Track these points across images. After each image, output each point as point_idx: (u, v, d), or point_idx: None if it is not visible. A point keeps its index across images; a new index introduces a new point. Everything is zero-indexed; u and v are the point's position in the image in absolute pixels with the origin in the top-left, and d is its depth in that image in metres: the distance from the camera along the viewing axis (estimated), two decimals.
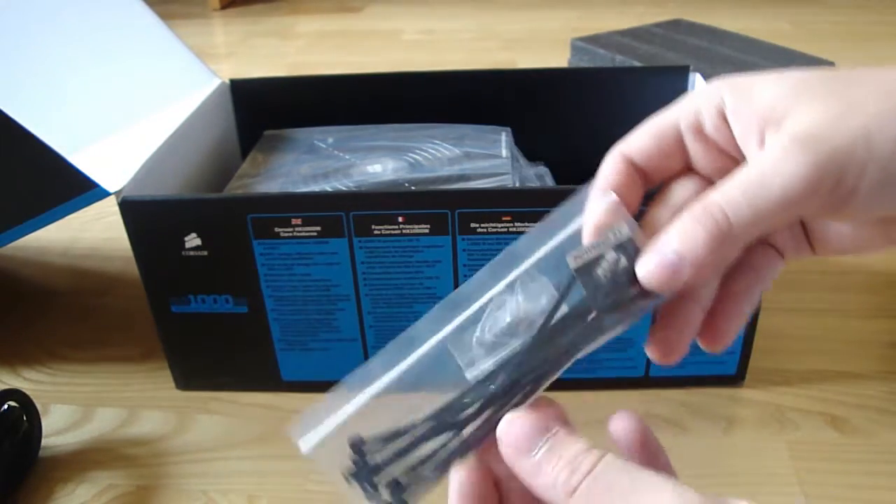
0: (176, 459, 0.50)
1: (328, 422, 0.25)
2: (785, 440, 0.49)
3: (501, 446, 0.24)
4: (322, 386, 0.26)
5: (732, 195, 0.23)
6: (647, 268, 0.24)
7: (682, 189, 0.27)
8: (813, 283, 0.65)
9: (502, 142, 0.61)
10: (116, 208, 0.47)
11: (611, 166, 0.27)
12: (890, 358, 0.56)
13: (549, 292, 0.26)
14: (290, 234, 0.48)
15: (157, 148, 0.52)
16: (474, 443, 0.25)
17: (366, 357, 0.50)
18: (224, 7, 1.75)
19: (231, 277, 0.50)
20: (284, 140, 0.64)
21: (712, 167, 0.26)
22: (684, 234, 0.23)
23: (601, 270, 0.25)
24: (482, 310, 0.26)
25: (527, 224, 0.47)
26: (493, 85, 0.67)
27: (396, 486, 0.25)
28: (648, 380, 0.53)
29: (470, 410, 0.25)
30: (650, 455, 0.28)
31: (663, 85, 0.63)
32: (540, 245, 0.26)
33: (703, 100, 0.26)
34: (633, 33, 1.09)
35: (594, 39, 1.07)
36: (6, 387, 0.50)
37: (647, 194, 0.28)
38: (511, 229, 0.47)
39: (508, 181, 0.55)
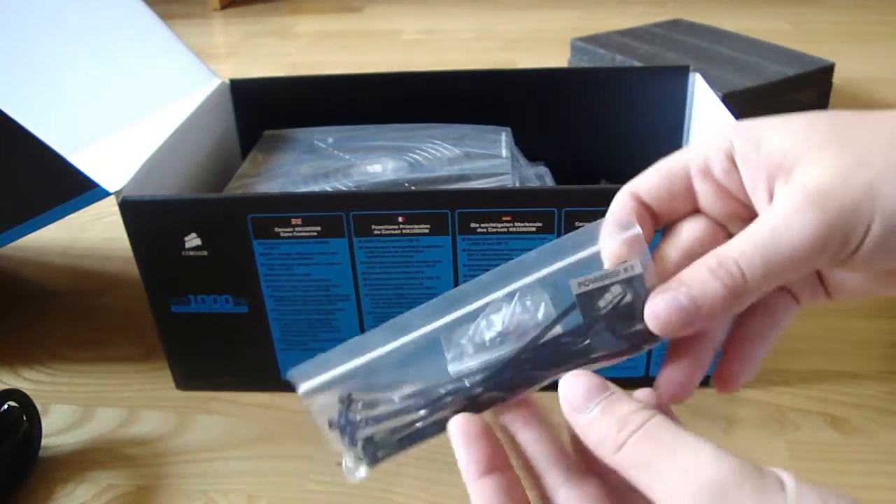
0: (176, 459, 0.50)
1: (325, 375, 0.27)
2: (785, 440, 0.49)
3: (561, 401, 0.24)
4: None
5: (746, 249, 0.23)
6: (656, 309, 0.24)
7: (690, 228, 0.27)
8: None
9: (502, 142, 0.61)
10: (116, 208, 0.47)
11: (621, 204, 0.27)
12: (890, 358, 0.56)
13: (548, 310, 0.26)
14: (290, 234, 0.48)
15: (157, 148, 0.52)
16: (438, 429, 0.27)
17: None
18: (224, 7, 1.75)
19: (231, 277, 0.50)
20: (284, 140, 0.64)
21: (721, 211, 0.27)
22: (701, 283, 0.24)
23: (603, 301, 0.25)
24: (479, 311, 0.27)
25: (527, 224, 0.47)
26: (493, 85, 0.67)
27: (369, 443, 0.27)
28: (648, 380, 0.53)
29: (445, 400, 0.26)
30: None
31: (663, 85, 0.63)
32: (550, 263, 0.26)
33: (713, 144, 0.26)
34: (633, 33, 1.09)
35: (594, 39, 1.07)
36: (6, 387, 0.50)
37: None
38: (511, 229, 0.47)
39: (508, 181, 0.55)
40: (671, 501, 0.21)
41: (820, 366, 0.55)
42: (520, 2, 1.69)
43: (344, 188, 0.55)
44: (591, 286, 0.25)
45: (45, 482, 0.48)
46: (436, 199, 0.47)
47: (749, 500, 0.20)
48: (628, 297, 0.25)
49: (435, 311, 0.27)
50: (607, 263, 0.26)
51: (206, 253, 0.49)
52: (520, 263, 0.26)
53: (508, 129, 0.63)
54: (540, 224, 0.47)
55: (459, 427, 0.26)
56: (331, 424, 0.27)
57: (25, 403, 0.49)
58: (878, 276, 0.26)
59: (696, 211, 0.27)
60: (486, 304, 0.27)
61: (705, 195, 0.27)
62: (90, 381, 0.58)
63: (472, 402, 0.26)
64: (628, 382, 0.59)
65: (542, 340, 0.26)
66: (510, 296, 0.26)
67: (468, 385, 0.26)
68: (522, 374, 0.26)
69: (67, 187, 0.54)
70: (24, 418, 0.49)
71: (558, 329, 0.26)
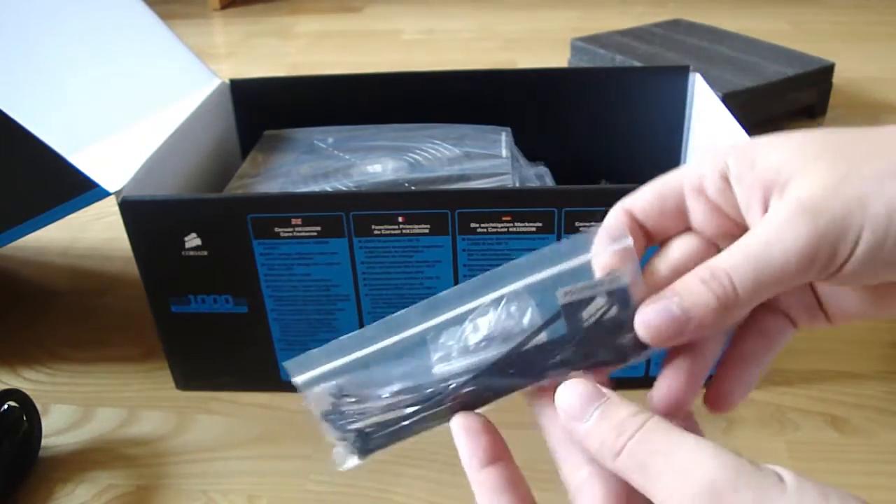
0: (176, 459, 0.50)
1: (319, 368, 0.27)
2: (785, 440, 0.49)
3: (559, 411, 0.24)
4: None
5: (738, 261, 0.23)
6: (647, 317, 0.24)
7: (681, 245, 0.27)
8: None
9: (502, 142, 0.61)
10: (116, 208, 0.47)
11: (614, 219, 0.27)
12: (890, 358, 0.56)
13: (533, 317, 0.26)
14: (290, 234, 0.48)
15: (157, 148, 0.52)
16: (425, 426, 0.27)
17: None
18: (224, 7, 1.75)
19: (231, 277, 0.50)
20: (284, 140, 0.64)
21: (713, 229, 0.27)
22: (693, 294, 0.24)
23: (587, 313, 0.25)
24: (468, 314, 0.27)
25: (527, 224, 0.47)
26: (493, 85, 0.67)
27: (359, 436, 0.27)
28: (648, 380, 0.53)
29: (432, 400, 0.27)
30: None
31: (663, 85, 0.63)
32: (542, 268, 0.27)
33: (707, 164, 0.26)
34: (633, 33, 1.09)
35: (594, 39, 1.07)
36: (6, 387, 0.50)
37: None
38: (511, 229, 0.47)
39: (508, 181, 0.55)
40: (672, 503, 0.21)
41: (820, 366, 0.55)
42: (520, 2, 1.69)
43: (344, 188, 0.55)
44: (577, 296, 0.25)
45: (45, 482, 0.48)
46: (436, 199, 0.47)
47: (749, 497, 0.20)
48: (614, 309, 0.25)
49: (426, 311, 0.27)
50: (598, 273, 0.26)
51: (206, 253, 0.49)
52: (512, 267, 0.27)
53: (508, 129, 0.63)
54: (540, 224, 0.47)
55: (461, 423, 0.26)
56: (324, 416, 0.28)
57: (25, 403, 0.49)
58: (875, 298, 0.26)
59: (688, 230, 0.28)
60: (474, 309, 0.27)
61: (698, 214, 0.27)
62: (90, 381, 0.58)
63: (458, 403, 0.27)
64: (628, 383, 0.59)
65: (525, 347, 0.26)
66: (497, 301, 0.27)
67: (453, 386, 0.27)
68: (505, 380, 0.26)
69: (67, 187, 0.54)
70: (24, 418, 0.49)
71: (543, 337, 0.26)
